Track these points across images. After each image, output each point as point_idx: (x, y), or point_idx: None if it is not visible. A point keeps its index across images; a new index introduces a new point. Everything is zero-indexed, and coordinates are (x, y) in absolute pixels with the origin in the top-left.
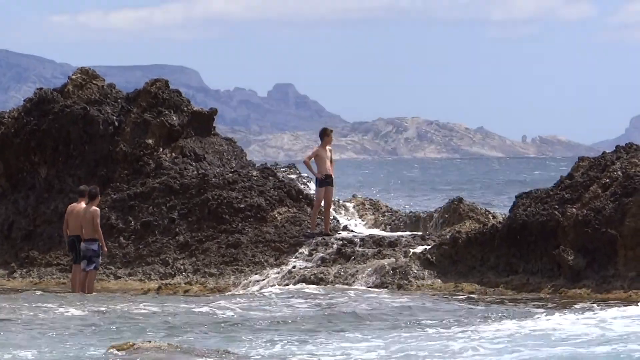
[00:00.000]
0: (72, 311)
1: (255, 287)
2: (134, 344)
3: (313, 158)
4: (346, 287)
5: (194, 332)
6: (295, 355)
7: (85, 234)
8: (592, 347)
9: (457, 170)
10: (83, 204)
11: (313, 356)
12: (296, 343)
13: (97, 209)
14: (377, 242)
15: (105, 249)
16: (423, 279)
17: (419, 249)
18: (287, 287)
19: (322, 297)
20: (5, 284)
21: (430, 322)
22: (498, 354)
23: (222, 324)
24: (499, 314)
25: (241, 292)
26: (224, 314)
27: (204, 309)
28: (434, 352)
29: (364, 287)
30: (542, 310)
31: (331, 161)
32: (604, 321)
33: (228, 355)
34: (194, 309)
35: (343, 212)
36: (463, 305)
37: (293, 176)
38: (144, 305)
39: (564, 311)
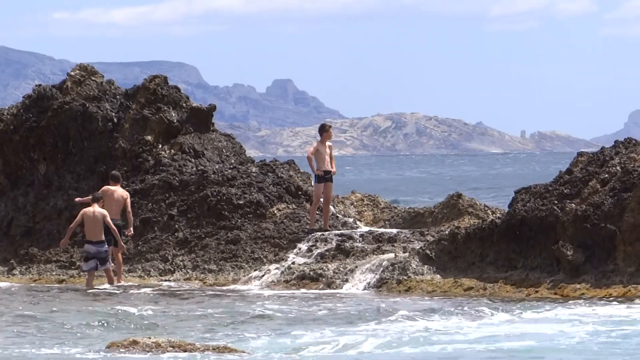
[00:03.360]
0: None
1: (255, 283)
2: (134, 340)
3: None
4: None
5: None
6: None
7: (96, 236)
8: None
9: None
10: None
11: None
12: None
13: (104, 210)
14: (377, 237)
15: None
16: (422, 274)
17: (418, 244)
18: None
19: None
20: (6, 281)
21: None
22: None
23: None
24: None
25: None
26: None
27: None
28: None
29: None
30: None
31: (331, 157)
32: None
33: (226, 351)
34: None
35: (348, 209)
36: None
37: (292, 172)
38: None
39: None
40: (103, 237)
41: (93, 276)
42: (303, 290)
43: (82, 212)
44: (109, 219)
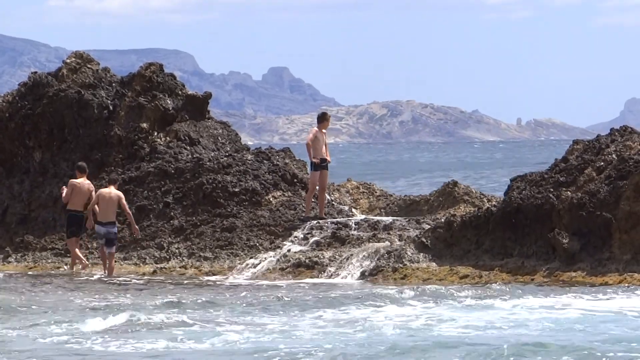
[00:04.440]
0: None
1: (251, 271)
2: None
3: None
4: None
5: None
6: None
7: (107, 217)
8: None
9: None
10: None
11: None
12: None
13: (120, 192)
14: (372, 225)
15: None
16: (418, 262)
17: (414, 232)
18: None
19: None
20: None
21: None
22: None
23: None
24: None
25: (236, 276)
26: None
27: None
28: None
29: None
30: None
31: (325, 145)
32: None
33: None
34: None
35: (344, 197)
36: None
37: (287, 160)
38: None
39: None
40: (114, 219)
41: (106, 257)
42: (293, 279)
43: (98, 192)
44: (124, 201)
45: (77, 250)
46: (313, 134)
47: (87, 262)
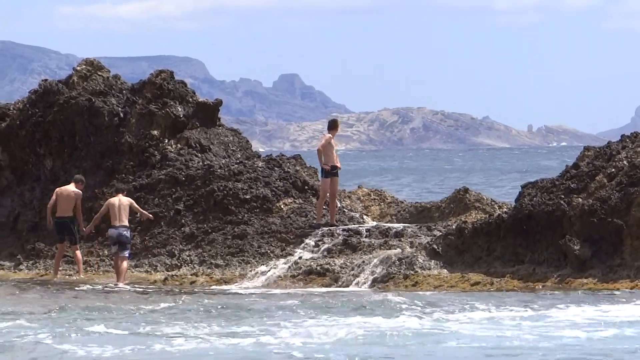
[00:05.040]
0: None
1: (262, 278)
2: None
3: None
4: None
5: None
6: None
7: (119, 221)
8: None
9: None
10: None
11: None
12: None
13: (130, 199)
14: (383, 232)
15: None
16: (429, 269)
17: (425, 239)
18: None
19: None
20: (12, 276)
21: None
22: None
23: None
24: None
25: (246, 283)
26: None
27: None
28: None
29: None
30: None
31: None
32: None
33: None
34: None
35: (355, 204)
36: None
37: (298, 167)
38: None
39: None
40: (126, 222)
41: (119, 264)
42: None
43: (107, 202)
44: (135, 204)
45: (59, 256)
46: (326, 140)
47: (57, 275)
